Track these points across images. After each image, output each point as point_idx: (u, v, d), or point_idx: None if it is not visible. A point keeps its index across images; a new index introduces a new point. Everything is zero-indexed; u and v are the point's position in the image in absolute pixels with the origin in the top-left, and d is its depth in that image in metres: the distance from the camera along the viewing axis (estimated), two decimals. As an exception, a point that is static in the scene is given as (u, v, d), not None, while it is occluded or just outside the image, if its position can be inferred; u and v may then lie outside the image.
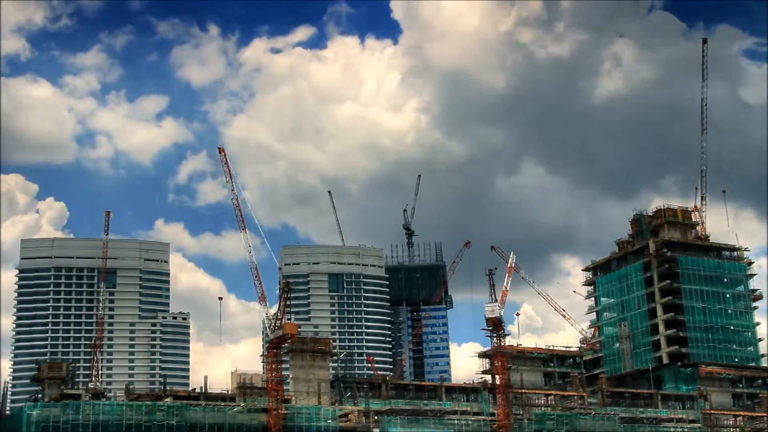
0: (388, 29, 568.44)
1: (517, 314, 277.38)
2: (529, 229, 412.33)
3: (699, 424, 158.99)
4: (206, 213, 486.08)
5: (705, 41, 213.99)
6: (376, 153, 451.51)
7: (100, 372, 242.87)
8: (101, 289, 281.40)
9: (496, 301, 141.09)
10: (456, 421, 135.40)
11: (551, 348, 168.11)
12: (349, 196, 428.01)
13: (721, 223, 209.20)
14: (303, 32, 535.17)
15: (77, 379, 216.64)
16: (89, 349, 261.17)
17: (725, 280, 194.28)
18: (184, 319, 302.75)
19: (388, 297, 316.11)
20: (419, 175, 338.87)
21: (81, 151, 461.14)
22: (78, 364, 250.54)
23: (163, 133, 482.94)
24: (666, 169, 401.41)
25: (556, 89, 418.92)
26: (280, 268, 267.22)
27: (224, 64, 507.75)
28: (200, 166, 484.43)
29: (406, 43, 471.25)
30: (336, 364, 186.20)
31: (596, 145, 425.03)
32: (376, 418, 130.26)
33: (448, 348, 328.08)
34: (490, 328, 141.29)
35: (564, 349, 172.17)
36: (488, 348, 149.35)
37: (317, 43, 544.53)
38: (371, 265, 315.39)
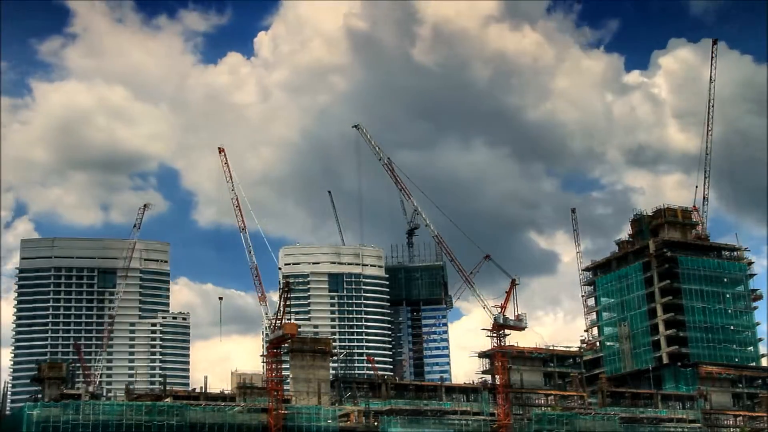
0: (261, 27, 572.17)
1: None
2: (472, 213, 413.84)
3: (699, 424, 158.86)
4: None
5: (715, 42, 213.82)
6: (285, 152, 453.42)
7: (99, 372, 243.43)
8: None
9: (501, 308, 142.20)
10: (456, 421, 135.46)
11: (551, 348, 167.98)
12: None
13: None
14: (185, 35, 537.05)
15: (77, 379, 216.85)
16: (89, 349, 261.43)
17: (725, 280, 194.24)
18: (184, 319, 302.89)
19: (388, 297, 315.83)
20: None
21: None
22: (78, 364, 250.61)
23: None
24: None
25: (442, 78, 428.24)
26: (280, 268, 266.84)
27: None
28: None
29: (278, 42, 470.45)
30: (336, 364, 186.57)
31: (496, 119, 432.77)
32: (376, 423, 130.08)
33: (448, 348, 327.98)
34: (490, 329, 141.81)
35: (564, 349, 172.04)
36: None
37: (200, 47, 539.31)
38: (371, 265, 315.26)
